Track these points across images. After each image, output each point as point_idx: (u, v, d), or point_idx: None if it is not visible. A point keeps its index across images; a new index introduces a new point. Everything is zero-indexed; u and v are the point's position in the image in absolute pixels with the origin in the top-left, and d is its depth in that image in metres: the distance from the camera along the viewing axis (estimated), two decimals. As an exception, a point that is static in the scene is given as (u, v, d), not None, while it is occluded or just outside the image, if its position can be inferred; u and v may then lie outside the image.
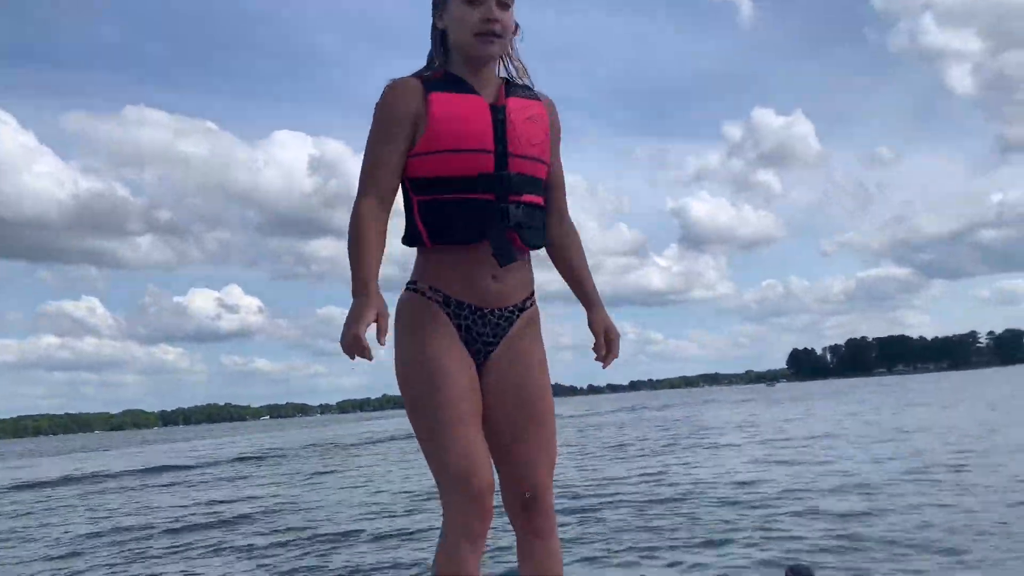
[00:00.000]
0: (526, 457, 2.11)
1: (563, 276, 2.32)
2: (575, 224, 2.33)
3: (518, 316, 2.13)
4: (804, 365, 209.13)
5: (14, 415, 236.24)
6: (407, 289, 2.13)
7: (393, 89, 2.06)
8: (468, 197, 2.01)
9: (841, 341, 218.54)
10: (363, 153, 2.10)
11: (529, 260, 2.18)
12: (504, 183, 2.03)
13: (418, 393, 2.04)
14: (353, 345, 1.89)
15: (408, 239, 2.11)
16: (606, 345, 2.26)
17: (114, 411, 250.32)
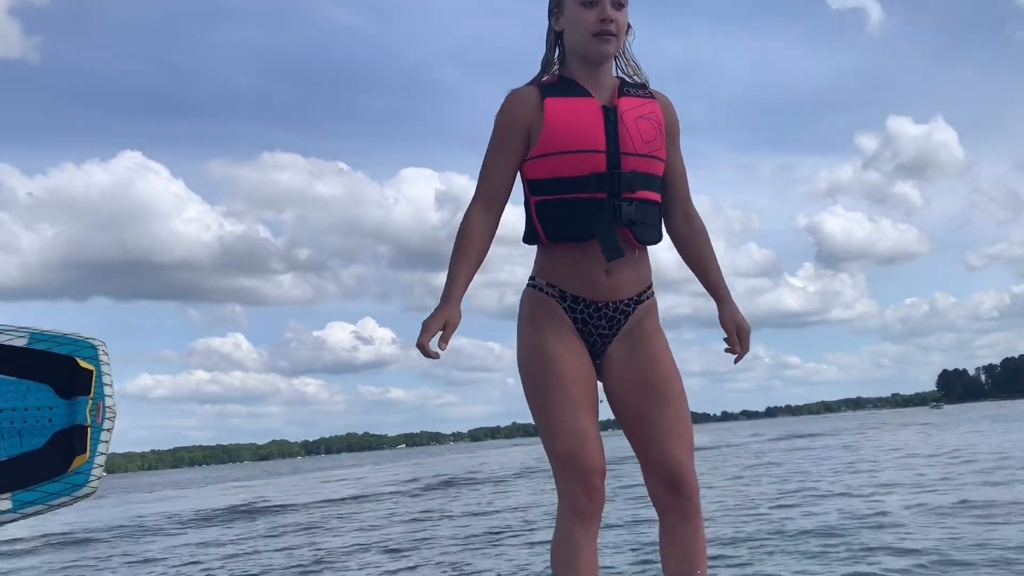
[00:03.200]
0: (660, 439, 2.13)
1: (692, 270, 2.34)
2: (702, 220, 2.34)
3: (634, 309, 2.19)
4: (955, 387, 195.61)
5: (171, 447, 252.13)
6: (528, 284, 2.24)
7: (510, 100, 2.18)
8: (580, 196, 2.09)
9: (996, 360, 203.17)
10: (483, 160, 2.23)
11: (646, 255, 2.22)
12: (617, 181, 2.09)
13: (532, 380, 2.15)
14: (421, 350, 2.06)
15: (528, 237, 2.22)
16: (741, 340, 2.29)
17: (261, 441, 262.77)
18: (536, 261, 2.23)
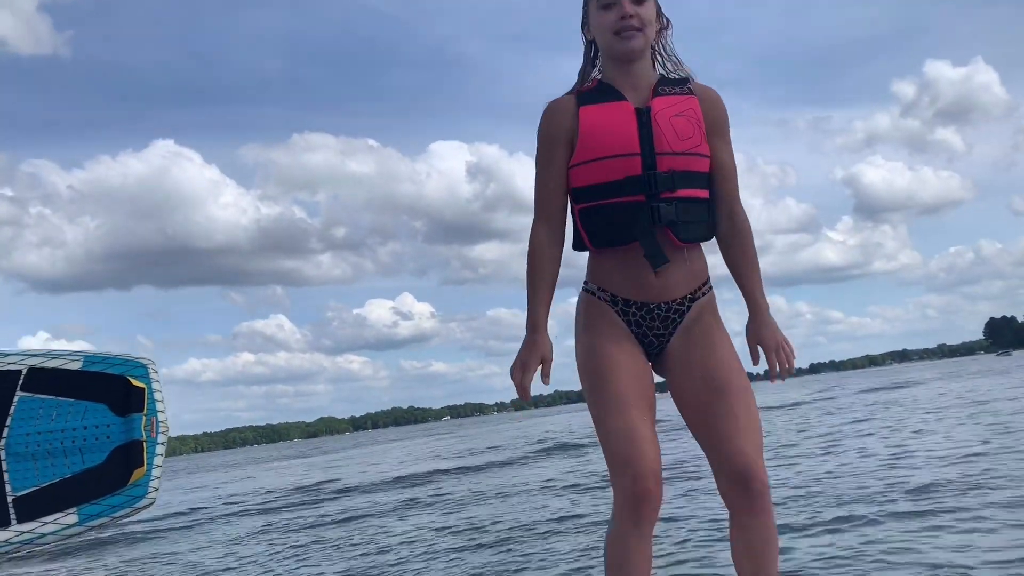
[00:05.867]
0: (726, 436, 2.08)
1: (730, 272, 2.29)
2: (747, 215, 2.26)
3: (689, 307, 2.17)
4: (1004, 335, 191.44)
5: (222, 428, 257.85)
6: (583, 289, 2.25)
7: (548, 112, 2.20)
8: (618, 201, 2.10)
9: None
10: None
11: (699, 251, 2.20)
12: (653, 183, 2.09)
13: (589, 385, 2.16)
14: (518, 381, 2.12)
15: (576, 244, 2.24)
16: (766, 357, 2.18)
17: (308, 420, 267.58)
18: (588, 266, 2.25)
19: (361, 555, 6.07)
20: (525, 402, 2.17)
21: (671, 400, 2.27)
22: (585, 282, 2.27)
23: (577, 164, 2.15)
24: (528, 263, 2.21)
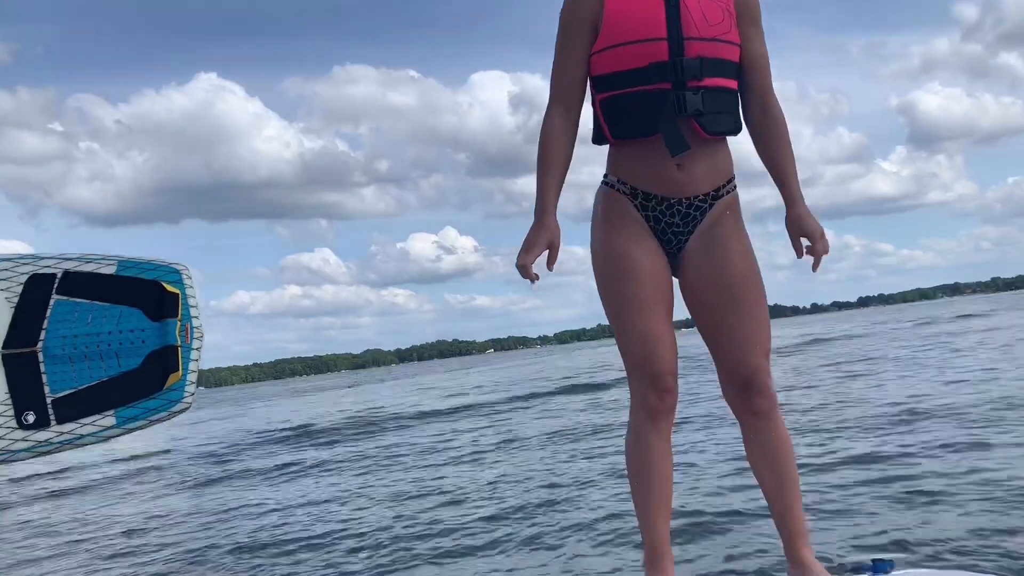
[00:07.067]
0: (734, 340, 2.09)
1: (765, 166, 2.22)
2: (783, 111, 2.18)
3: (711, 205, 2.11)
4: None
5: (272, 359, 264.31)
6: (601, 182, 2.19)
7: None
8: (643, 89, 2.03)
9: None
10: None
11: (725, 146, 2.14)
12: (680, 69, 2.00)
13: (604, 280, 2.13)
14: (521, 271, 2.07)
15: (595, 137, 2.17)
16: (805, 248, 2.15)
17: (356, 351, 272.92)
18: (608, 159, 2.18)
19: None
20: (531, 283, 2.09)
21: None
22: (604, 175, 2.18)
23: (600, 50, 2.07)
24: (540, 148, 2.15)
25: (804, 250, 2.16)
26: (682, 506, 4.28)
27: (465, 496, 5.69)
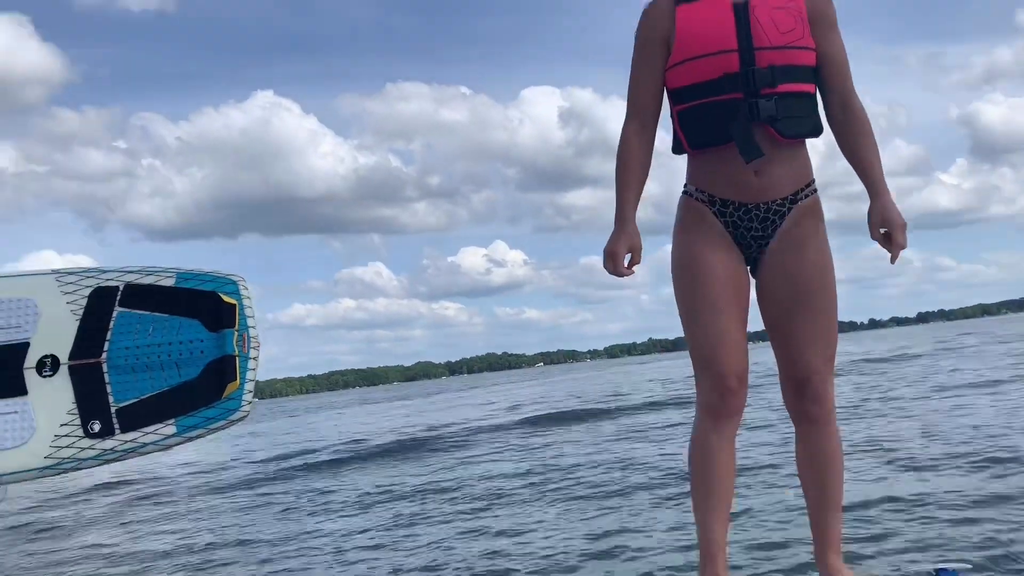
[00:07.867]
0: (795, 339, 2.12)
1: (849, 163, 2.23)
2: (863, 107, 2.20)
3: (790, 209, 2.14)
4: None
5: (325, 371, 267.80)
6: (682, 192, 2.26)
7: (645, 14, 2.20)
8: (716, 100, 2.08)
9: None
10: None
11: (803, 150, 2.17)
12: (751, 79, 2.05)
13: (680, 285, 2.18)
14: (612, 269, 2.17)
15: (674, 147, 2.24)
16: (886, 238, 2.14)
17: (407, 363, 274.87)
18: (687, 168, 2.24)
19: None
20: (622, 276, 2.18)
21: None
22: (684, 185, 2.24)
23: (674, 65, 2.13)
24: (618, 161, 2.22)
25: (881, 239, 2.12)
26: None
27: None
